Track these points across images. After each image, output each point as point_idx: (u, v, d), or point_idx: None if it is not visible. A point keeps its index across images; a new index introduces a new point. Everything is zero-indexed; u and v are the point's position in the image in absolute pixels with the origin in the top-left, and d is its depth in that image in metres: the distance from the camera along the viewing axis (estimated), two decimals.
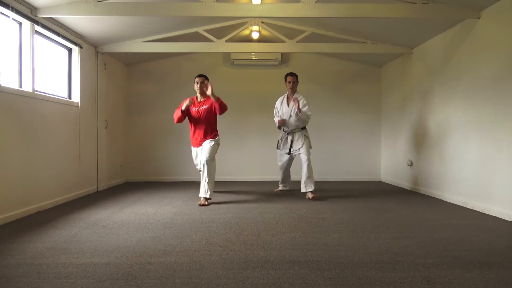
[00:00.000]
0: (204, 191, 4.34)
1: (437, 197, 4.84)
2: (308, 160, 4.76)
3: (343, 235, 2.96)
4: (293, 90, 4.94)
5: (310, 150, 4.90)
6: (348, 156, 6.95)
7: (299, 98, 4.79)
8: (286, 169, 5.25)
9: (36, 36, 4.07)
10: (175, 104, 6.14)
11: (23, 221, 3.48)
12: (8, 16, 3.64)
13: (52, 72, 4.64)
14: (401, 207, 4.22)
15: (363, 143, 6.99)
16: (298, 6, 4.00)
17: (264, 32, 6.01)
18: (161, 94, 6.84)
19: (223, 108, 4.42)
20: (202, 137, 4.54)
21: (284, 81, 5.02)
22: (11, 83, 3.72)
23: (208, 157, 4.38)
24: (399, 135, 6.17)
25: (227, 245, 2.69)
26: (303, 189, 4.74)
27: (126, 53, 5.81)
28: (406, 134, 5.88)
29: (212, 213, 3.88)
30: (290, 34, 5.56)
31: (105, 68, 5.77)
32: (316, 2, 3.98)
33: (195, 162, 4.79)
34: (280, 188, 5.43)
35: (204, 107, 4.50)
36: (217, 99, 4.34)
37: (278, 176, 5.45)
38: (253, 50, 6.07)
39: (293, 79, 4.92)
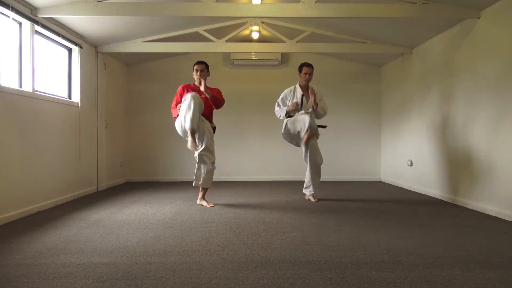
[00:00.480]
0: (196, 180, 4.25)
1: (437, 197, 4.84)
2: (320, 163, 4.44)
3: (343, 235, 2.96)
4: (308, 83, 4.54)
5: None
6: (348, 156, 6.95)
7: (315, 89, 4.38)
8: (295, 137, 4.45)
9: (36, 36, 4.07)
10: None
11: (23, 221, 3.48)
12: (8, 16, 3.64)
13: (52, 72, 4.64)
14: (401, 207, 4.22)
15: (363, 143, 6.99)
16: (298, 6, 4.00)
17: (264, 32, 6.01)
18: (161, 94, 6.84)
19: (217, 103, 4.22)
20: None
21: (298, 72, 4.60)
22: (11, 83, 3.72)
23: (210, 146, 4.20)
24: (399, 135, 6.17)
25: (227, 245, 2.69)
26: (305, 191, 4.61)
27: (126, 53, 5.81)
28: (406, 134, 5.88)
29: (212, 213, 3.88)
30: (290, 34, 5.56)
31: (105, 68, 5.77)
32: (316, 2, 3.98)
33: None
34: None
35: (203, 95, 4.15)
36: (211, 95, 4.15)
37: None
38: (253, 50, 6.07)
39: (309, 70, 4.49)
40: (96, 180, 5.51)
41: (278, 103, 4.64)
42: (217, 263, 2.32)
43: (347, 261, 2.35)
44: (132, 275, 2.11)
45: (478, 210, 3.97)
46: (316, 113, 4.40)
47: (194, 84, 4.29)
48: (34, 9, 3.94)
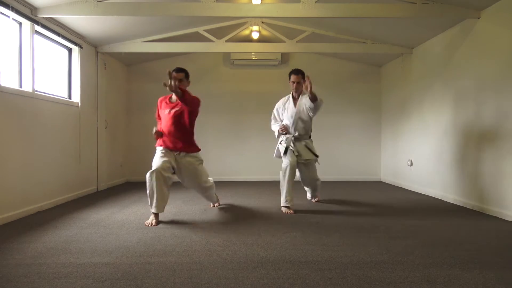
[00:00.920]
0: (210, 202, 4.19)
1: (437, 197, 4.84)
2: (318, 179, 4.31)
3: (343, 235, 2.96)
4: (298, 92, 4.05)
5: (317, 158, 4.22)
6: (348, 156, 6.95)
7: (307, 102, 3.92)
8: (293, 170, 3.96)
9: (36, 36, 4.07)
10: None
11: (23, 221, 3.48)
12: (8, 16, 3.64)
13: (52, 72, 4.64)
14: (401, 207, 4.22)
15: (363, 143, 6.99)
16: (298, 6, 4.01)
17: (264, 32, 6.01)
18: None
19: (189, 104, 3.37)
20: (176, 144, 3.51)
21: (288, 80, 4.12)
22: (11, 83, 3.72)
23: (206, 181, 3.78)
24: (399, 135, 6.17)
25: (227, 245, 2.69)
26: (309, 196, 4.61)
27: (126, 53, 5.81)
28: (406, 134, 5.88)
29: (212, 213, 3.88)
30: (290, 34, 5.57)
31: (105, 68, 5.77)
32: (316, 2, 3.98)
33: (159, 165, 3.37)
34: (287, 205, 3.91)
35: (177, 109, 3.49)
36: (180, 95, 3.26)
37: (280, 180, 4.03)
38: (253, 50, 6.07)
39: (297, 78, 3.94)
40: (96, 180, 5.51)
41: (273, 115, 4.31)
42: (217, 263, 2.32)
43: (347, 261, 2.35)
44: (132, 275, 2.11)
45: (478, 210, 3.97)
46: (316, 106, 3.94)
47: (170, 98, 3.66)
48: (34, 9, 3.94)
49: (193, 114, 3.57)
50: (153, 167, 3.39)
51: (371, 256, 2.44)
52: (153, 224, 3.30)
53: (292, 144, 4.06)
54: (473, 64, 4.17)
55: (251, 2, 4.48)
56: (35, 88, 4.00)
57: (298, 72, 3.99)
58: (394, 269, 2.21)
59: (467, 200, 4.22)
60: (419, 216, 3.72)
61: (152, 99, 6.85)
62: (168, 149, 3.52)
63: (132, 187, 6.02)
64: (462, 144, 4.37)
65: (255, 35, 6.00)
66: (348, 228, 3.20)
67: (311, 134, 4.24)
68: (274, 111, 4.31)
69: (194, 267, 2.24)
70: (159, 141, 3.57)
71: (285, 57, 6.91)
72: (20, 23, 3.88)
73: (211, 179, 3.93)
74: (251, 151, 6.94)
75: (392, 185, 6.32)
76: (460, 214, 3.83)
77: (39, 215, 3.75)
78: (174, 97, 3.56)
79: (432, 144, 5.06)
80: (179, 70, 3.53)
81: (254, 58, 6.65)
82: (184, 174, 3.61)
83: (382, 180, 6.91)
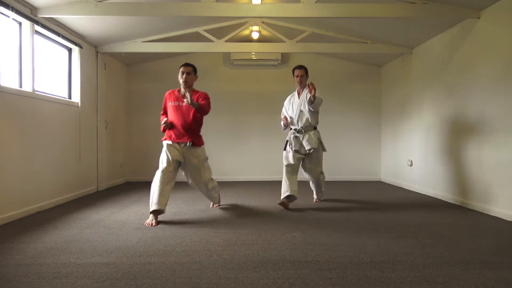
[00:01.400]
0: (212, 201, 4.18)
1: (437, 197, 4.84)
2: (321, 172, 4.33)
3: (343, 235, 2.96)
4: (303, 85, 4.36)
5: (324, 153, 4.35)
6: (348, 156, 6.95)
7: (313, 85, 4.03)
8: (294, 171, 4.22)
9: (36, 36, 4.07)
10: None
11: (23, 221, 3.48)
12: (8, 16, 3.64)
13: (52, 72, 4.64)
14: (401, 207, 4.22)
15: (363, 143, 6.99)
16: (298, 6, 4.01)
17: (264, 32, 6.01)
18: (161, 94, 6.73)
19: (202, 112, 3.63)
20: (182, 137, 3.60)
21: (292, 76, 4.41)
22: (11, 83, 3.72)
23: (208, 177, 3.82)
24: (399, 135, 6.17)
25: (227, 245, 2.69)
26: (315, 197, 4.61)
27: (126, 53, 5.81)
28: (406, 134, 5.88)
29: (212, 213, 3.88)
30: (290, 34, 5.57)
31: (105, 68, 5.77)
32: (316, 2, 3.98)
33: (165, 164, 3.54)
34: (287, 194, 4.11)
35: (188, 99, 3.45)
36: (197, 106, 3.50)
37: (283, 183, 4.21)
38: (253, 50, 6.07)
39: (301, 72, 4.33)
40: (96, 180, 5.51)
41: (282, 113, 4.49)
42: (217, 263, 2.32)
43: (347, 261, 2.35)
44: (132, 275, 2.11)
45: (478, 210, 3.97)
46: (315, 105, 4.16)
47: (178, 90, 3.72)
48: (34, 9, 3.94)
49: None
50: (160, 166, 3.54)
51: (371, 256, 2.44)
52: (153, 224, 3.32)
53: (292, 137, 4.23)
54: (473, 64, 4.17)
55: (251, 2, 4.48)
56: (35, 88, 4.00)
57: (301, 67, 4.37)
58: (394, 269, 2.21)
59: (467, 200, 4.22)
60: (419, 216, 3.72)
61: (152, 99, 6.90)
62: (174, 143, 3.60)
63: (132, 187, 6.02)
64: (462, 144, 4.37)
65: (255, 35, 6.01)
66: (348, 228, 3.20)
67: (316, 126, 4.35)
68: (283, 109, 4.50)
69: (194, 267, 2.24)
70: (166, 135, 3.65)
71: (285, 57, 6.91)
72: (20, 23, 3.88)
73: (215, 181, 3.98)
74: (251, 151, 6.94)
75: (392, 185, 6.32)
76: (461, 214, 3.83)
77: (39, 215, 3.75)
78: (182, 90, 3.67)
79: (432, 144, 5.06)
80: (187, 64, 3.67)
81: (254, 58, 6.65)
82: (188, 167, 3.67)
83: (382, 180, 6.91)
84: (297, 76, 4.33)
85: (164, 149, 3.60)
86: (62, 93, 4.83)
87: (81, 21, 4.55)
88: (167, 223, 3.38)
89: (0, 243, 2.73)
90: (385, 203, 4.48)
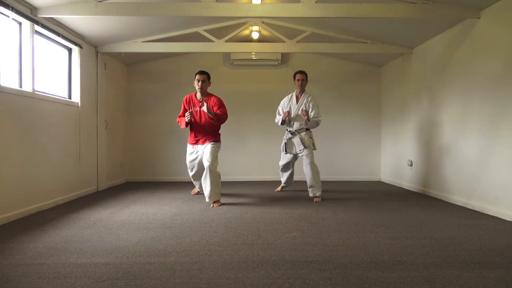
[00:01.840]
0: (208, 196, 4.23)
1: (437, 197, 4.84)
2: (311, 162, 4.61)
3: (343, 235, 2.96)
4: (302, 89, 4.81)
5: (314, 151, 4.75)
6: (348, 156, 6.95)
7: (307, 103, 4.71)
8: (288, 168, 5.13)
9: (36, 36, 4.07)
10: (175, 104, 6.17)
11: (23, 221, 3.48)
12: (8, 16, 3.64)
13: (52, 72, 4.64)
14: (401, 207, 4.22)
15: (363, 143, 6.99)
16: (298, 6, 4.01)
17: (264, 32, 6.01)
18: (161, 94, 6.84)
19: (219, 121, 4.31)
20: (202, 137, 4.37)
21: (292, 79, 4.88)
22: (11, 83, 3.72)
23: (211, 162, 4.21)
24: (399, 135, 6.17)
25: (227, 245, 2.69)
26: (310, 194, 4.68)
27: (126, 53, 5.81)
28: (406, 134, 5.88)
29: (212, 213, 3.88)
30: (290, 34, 5.56)
31: (105, 68, 5.77)
32: (316, 2, 3.98)
33: (188, 160, 4.52)
34: (282, 185, 5.39)
35: (205, 108, 4.22)
36: (214, 115, 4.20)
37: (279, 177, 5.36)
38: (253, 50, 6.07)
39: (302, 76, 4.78)
40: (96, 180, 5.51)
41: (278, 111, 4.97)
42: (217, 263, 2.32)
43: (347, 261, 2.35)
44: (132, 275, 2.11)
45: (478, 210, 3.97)
46: (309, 126, 4.71)
47: (195, 95, 4.41)
48: (34, 9, 3.94)
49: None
50: (188, 167, 4.58)
51: (371, 256, 2.44)
52: (194, 192, 4.96)
53: (286, 140, 4.83)
54: (473, 64, 4.17)
55: (251, 2, 4.48)
56: (35, 88, 3.99)
57: (302, 72, 4.85)
58: (394, 269, 2.21)
59: (467, 200, 4.22)
60: (419, 216, 3.72)
61: (152, 99, 6.90)
62: (196, 145, 4.41)
63: (132, 187, 6.02)
64: (462, 144, 4.37)
65: (255, 35, 6.01)
66: (348, 228, 3.20)
67: (307, 128, 4.77)
68: (279, 107, 4.95)
69: (194, 267, 2.24)
70: (190, 139, 4.46)
71: (285, 57, 6.91)
72: (20, 23, 3.88)
73: (219, 179, 4.32)
74: (251, 151, 6.94)
75: (392, 185, 6.32)
76: (460, 214, 3.83)
77: (39, 215, 3.75)
78: (198, 95, 4.35)
79: (432, 144, 5.06)
80: (202, 72, 4.32)
81: (254, 58, 6.65)
82: (201, 154, 4.38)
83: (382, 180, 6.91)
84: (298, 80, 4.78)
85: (187, 153, 4.53)
86: (62, 93, 4.83)
87: (81, 21, 4.55)
88: (167, 223, 3.38)
89: (0, 243, 2.73)
90: (385, 203, 4.48)
